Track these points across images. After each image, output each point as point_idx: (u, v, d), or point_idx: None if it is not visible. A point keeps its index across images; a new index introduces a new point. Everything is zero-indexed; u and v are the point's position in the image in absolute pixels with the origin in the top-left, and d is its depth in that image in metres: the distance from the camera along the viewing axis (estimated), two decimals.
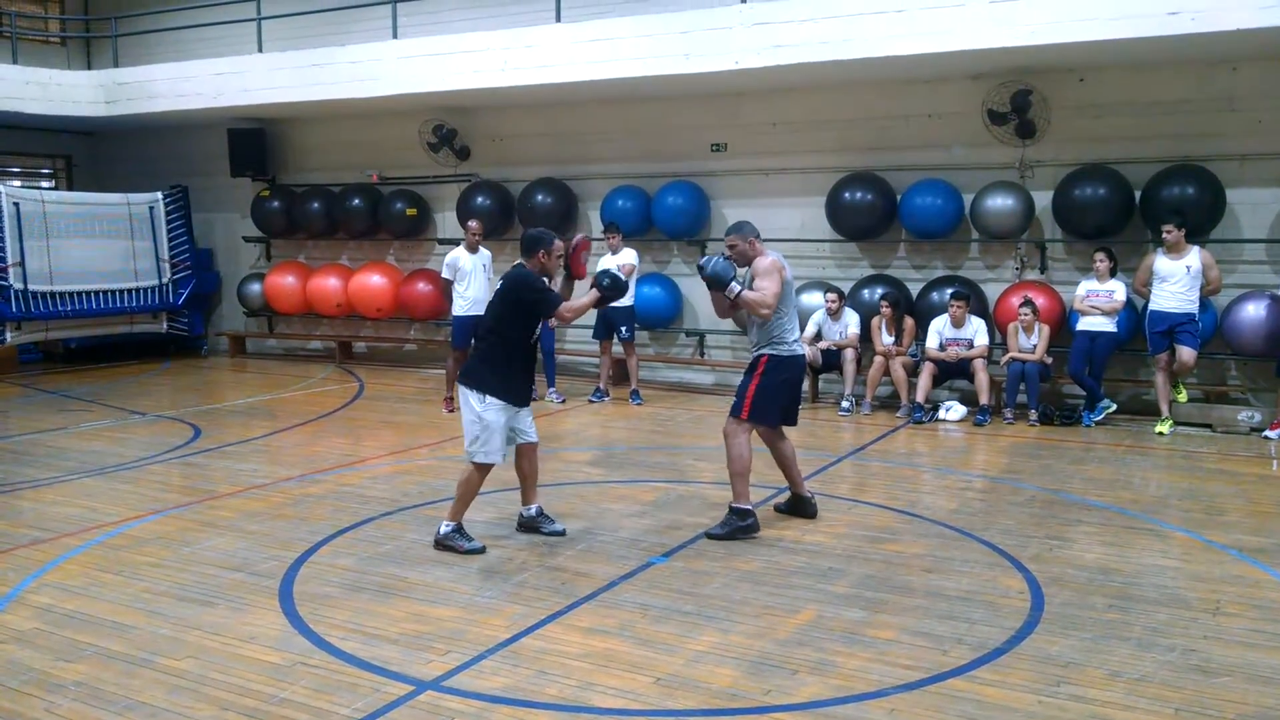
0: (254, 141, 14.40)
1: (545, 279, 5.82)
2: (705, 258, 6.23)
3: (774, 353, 6.02)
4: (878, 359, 10.01)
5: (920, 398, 9.67)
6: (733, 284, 5.90)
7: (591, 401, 10.74)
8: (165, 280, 14.11)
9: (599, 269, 10.53)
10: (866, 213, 10.73)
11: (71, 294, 13.10)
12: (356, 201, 13.66)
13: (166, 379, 13.00)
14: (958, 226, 10.50)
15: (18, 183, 15.42)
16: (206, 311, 15.41)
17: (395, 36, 12.19)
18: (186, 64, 13.55)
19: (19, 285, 12.54)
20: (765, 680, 4.11)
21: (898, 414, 9.85)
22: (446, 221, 13.45)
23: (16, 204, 12.63)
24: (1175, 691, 4.01)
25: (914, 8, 9.13)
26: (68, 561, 5.61)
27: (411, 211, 13.35)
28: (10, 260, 12.45)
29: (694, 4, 10.75)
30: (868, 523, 6.36)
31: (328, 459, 8.19)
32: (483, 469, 5.74)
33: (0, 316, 12.40)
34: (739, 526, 5.95)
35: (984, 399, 9.50)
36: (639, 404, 10.65)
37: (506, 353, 5.78)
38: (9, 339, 12.63)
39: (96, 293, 13.36)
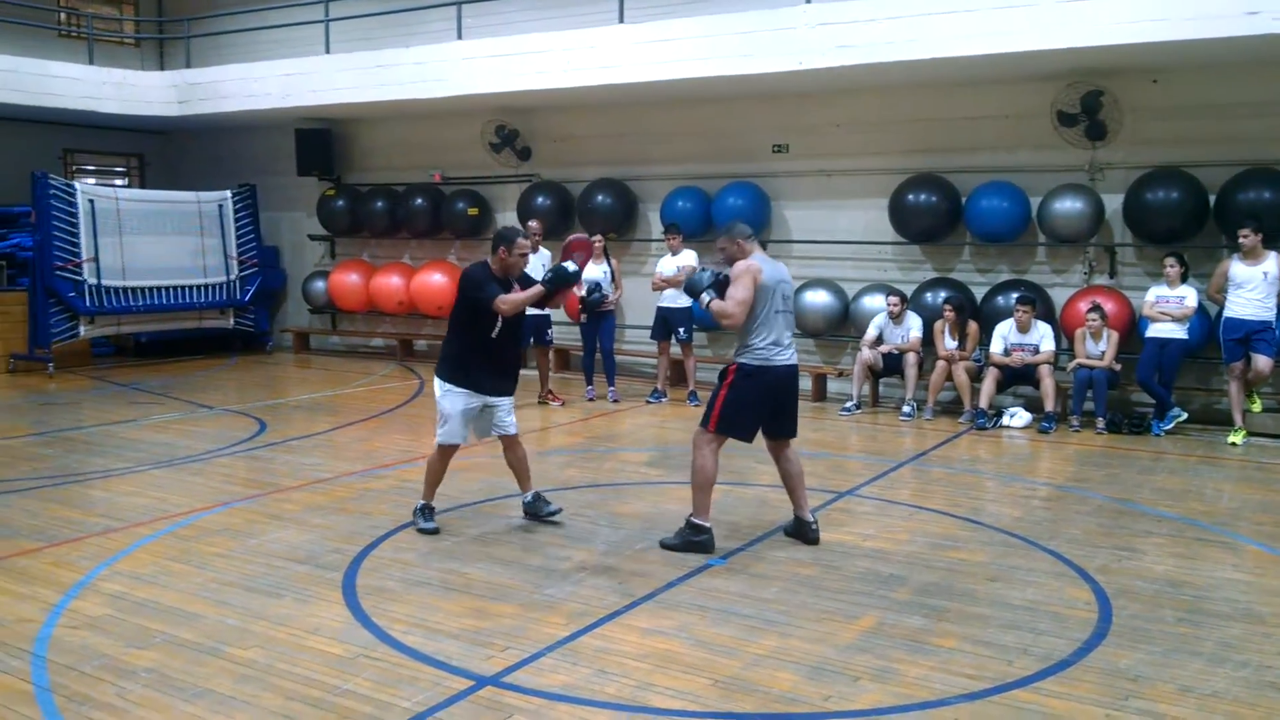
0: (320, 141, 14.64)
1: (507, 276, 5.94)
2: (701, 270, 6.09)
3: (743, 361, 5.70)
4: (940, 363, 9.87)
5: (984, 403, 9.52)
6: (704, 294, 5.73)
7: (649, 402, 10.75)
8: (233, 277, 14.39)
9: (659, 269, 10.66)
10: (930, 215, 10.60)
11: (143, 289, 13.42)
12: (419, 201, 13.83)
13: (233, 374, 13.27)
14: (1024, 230, 10.32)
15: (93, 180, 15.84)
16: (272, 308, 15.70)
17: (460, 37, 12.31)
18: (256, 65, 13.85)
19: (93, 280, 12.87)
20: (826, 686, 4.07)
21: (960, 419, 9.71)
22: (507, 221, 13.52)
23: (92, 201, 12.98)
24: (1249, 709, 3.90)
25: (983, 7, 8.99)
26: (139, 550, 5.74)
27: (473, 211, 13.48)
28: (85, 256, 12.79)
29: (757, 4, 10.70)
30: (929, 529, 6.27)
31: (389, 454, 8.29)
32: (443, 450, 6.06)
33: (75, 311, 12.75)
34: (692, 541, 5.69)
35: (1049, 406, 9.32)
36: (696, 405, 10.61)
37: (462, 346, 5.99)
38: (83, 333, 12.97)
39: (167, 288, 13.67)
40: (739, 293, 5.58)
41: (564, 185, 12.90)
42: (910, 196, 10.65)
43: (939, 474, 7.81)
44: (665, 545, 5.75)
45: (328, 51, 13.44)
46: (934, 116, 10.82)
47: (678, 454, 8.52)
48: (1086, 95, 9.77)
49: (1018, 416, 9.55)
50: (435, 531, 6.01)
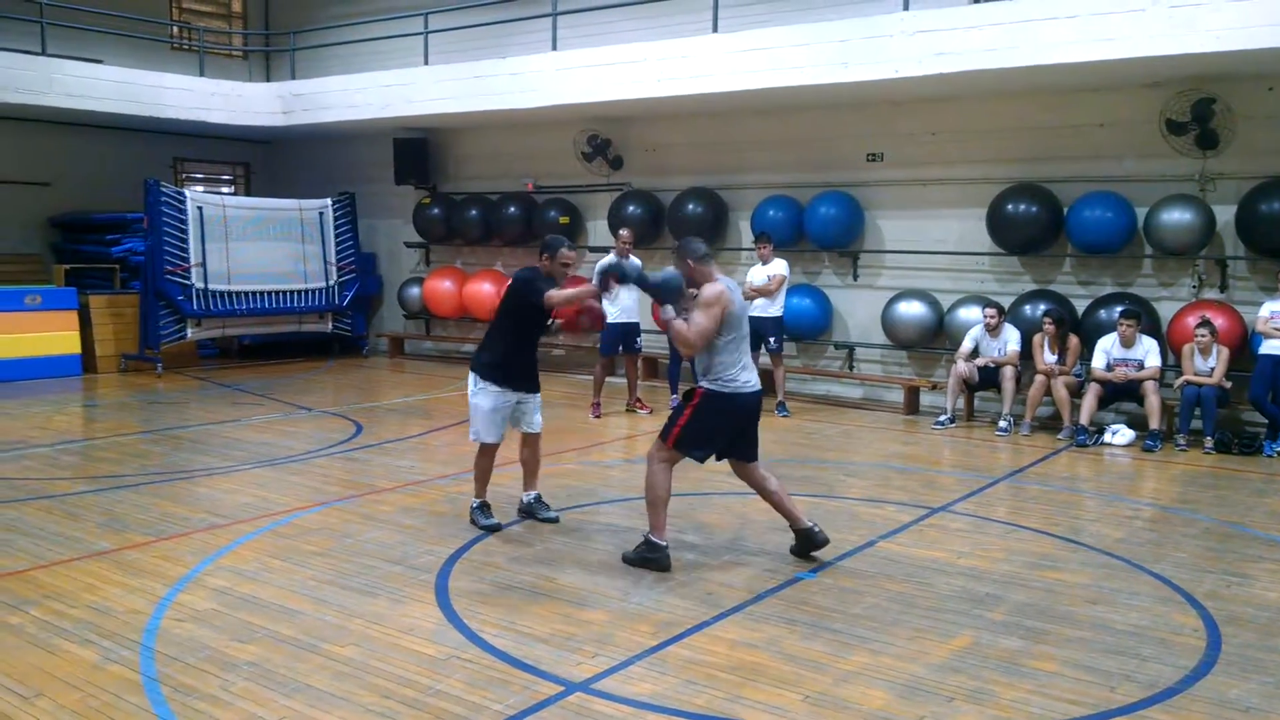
0: (417, 150, 14.95)
1: (550, 280, 6.09)
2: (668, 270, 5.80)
3: (711, 389, 5.49)
4: (1039, 378, 9.62)
5: (1084, 420, 9.24)
6: (668, 306, 5.54)
7: None
8: (332, 283, 14.76)
9: (749, 278, 10.62)
10: (1030, 225, 10.34)
11: (246, 293, 13.85)
12: (512, 209, 14.01)
13: (330, 377, 13.61)
14: (1129, 241, 10.01)
15: (201, 188, 16.44)
16: (368, 313, 16.07)
17: (554, 48, 12.45)
18: (357, 76, 14.22)
19: (200, 285, 13.34)
20: (919, 705, 3.99)
21: (1059, 436, 9.44)
22: (598, 229, 13.64)
23: (200, 208, 13.45)
24: None
25: (1086, 13, 8.76)
26: (241, 547, 5.92)
27: (565, 220, 13.60)
28: (193, 261, 13.26)
29: (853, 12, 10.63)
30: (1026, 549, 6.10)
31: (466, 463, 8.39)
32: (485, 448, 6.27)
33: (183, 313, 13.22)
34: (648, 558, 5.56)
35: (1155, 423, 9.01)
36: (785, 416, 10.54)
37: (504, 342, 6.18)
38: (190, 335, 13.45)
39: (269, 293, 14.09)
40: (707, 323, 5.36)
41: (655, 194, 12.94)
42: (1009, 206, 10.41)
43: (1036, 491, 7.61)
44: (625, 558, 5.68)
45: (426, 63, 13.73)
46: (1034, 125, 10.56)
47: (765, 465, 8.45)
48: (1197, 103, 9.43)
49: (1120, 434, 9.24)
50: (497, 527, 6.20)
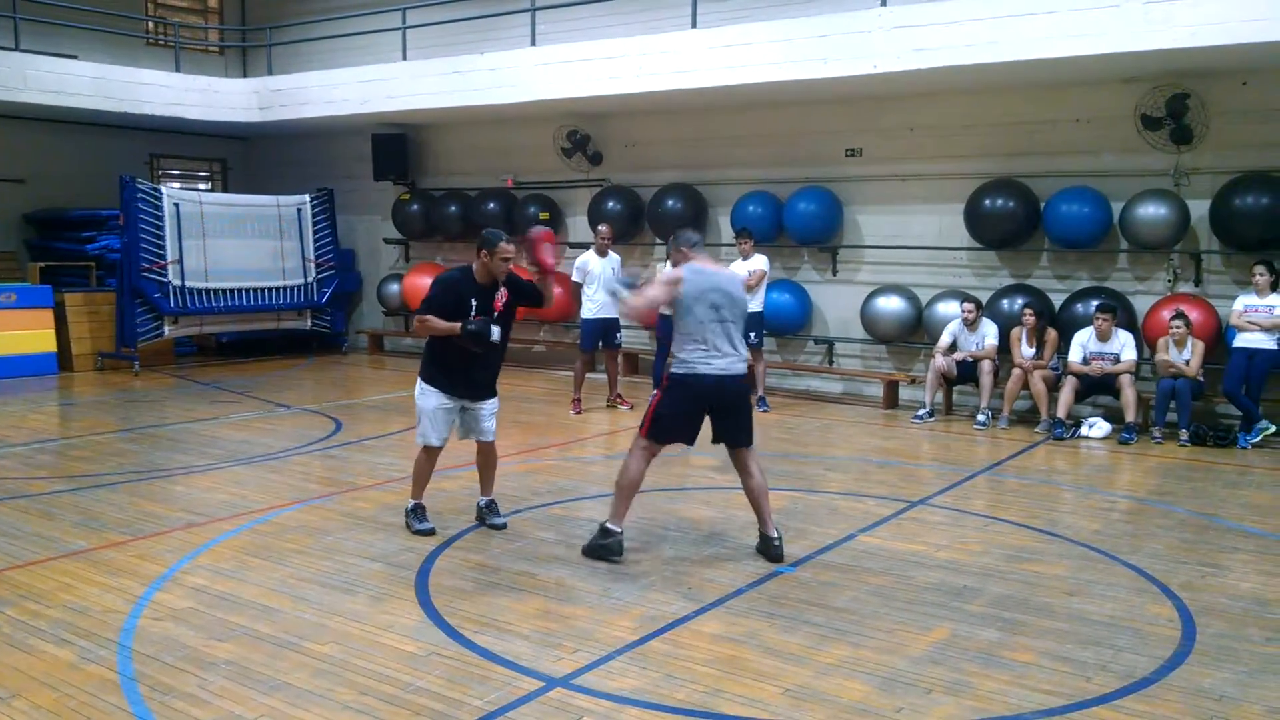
0: (396, 146, 14.89)
1: (492, 279, 5.84)
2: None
3: (673, 371, 5.59)
4: (1016, 371, 9.69)
5: (1061, 413, 9.31)
6: (620, 289, 5.66)
7: None
8: (310, 279, 14.68)
9: (737, 268, 10.61)
10: (1008, 220, 10.40)
11: (224, 291, 13.76)
12: (491, 205, 13.97)
13: (309, 374, 13.55)
14: (1105, 236, 10.08)
15: (177, 184, 16.32)
16: (347, 310, 16.00)
17: (534, 44, 12.42)
18: (335, 72, 14.14)
19: (177, 282, 13.24)
20: (897, 698, 4.01)
21: (1037, 429, 9.51)
22: (578, 225, 13.62)
23: (177, 205, 13.35)
24: None
25: (1064, 9, 8.81)
26: (219, 545, 5.89)
27: (544, 215, 13.57)
28: (170, 258, 13.16)
29: (832, 7, 10.64)
30: (1004, 541, 6.15)
31: (460, 456, 8.36)
32: (427, 451, 6.04)
33: (160, 311, 13.13)
34: (600, 545, 5.60)
35: (1130, 416, 9.08)
36: (765, 411, 10.57)
37: (440, 348, 5.90)
38: (167, 332, 13.35)
39: (247, 290, 14.00)
40: (655, 293, 5.59)
41: (635, 190, 12.94)
42: (987, 201, 10.47)
43: (1014, 484, 7.66)
44: (584, 551, 5.68)
45: (405, 58, 13.67)
46: (1011, 120, 10.62)
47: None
48: (1172, 98, 9.51)
49: (1097, 427, 9.32)
50: (431, 532, 6.03)
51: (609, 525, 5.62)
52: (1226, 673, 4.27)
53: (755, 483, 5.69)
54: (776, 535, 5.70)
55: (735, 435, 5.69)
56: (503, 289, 5.93)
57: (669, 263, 5.92)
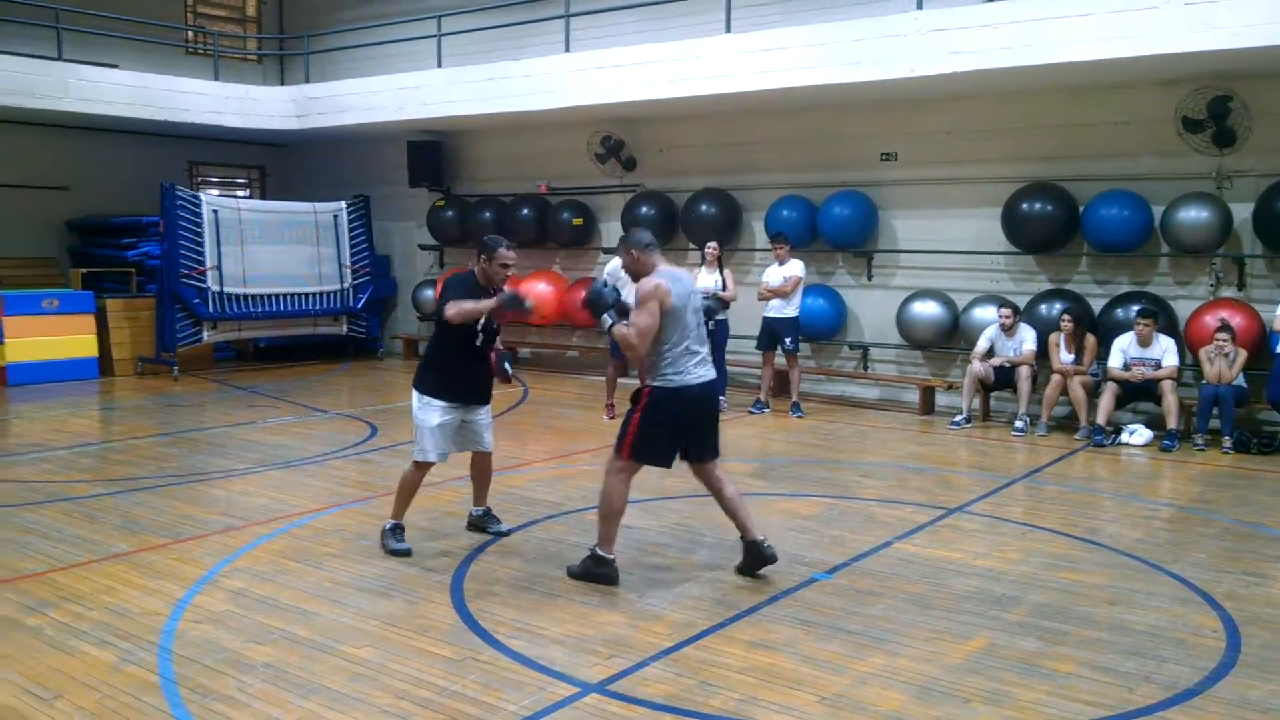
0: (431, 153, 14.99)
1: (490, 285, 5.76)
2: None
3: (656, 385, 5.19)
4: (1055, 377, 9.57)
5: (1101, 419, 9.19)
6: (605, 316, 5.22)
7: (751, 413, 10.67)
8: (346, 285, 14.81)
9: (764, 279, 10.55)
10: (1046, 224, 10.29)
11: (262, 296, 13.92)
12: (525, 211, 14.03)
13: (345, 379, 13.66)
14: (1146, 240, 9.94)
15: (216, 191, 16.52)
16: (383, 315, 16.12)
17: (568, 50, 12.46)
18: (372, 79, 14.25)
19: (216, 288, 13.40)
20: (935, 707, 3.97)
21: (1076, 436, 9.39)
22: (611, 231, 13.64)
23: (215, 211, 13.52)
24: None
25: (1101, 11, 8.70)
26: (257, 549, 5.94)
27: (578, 221, 13.61)
28: (209, 264, 13.33)
29: (867, 12, 10.59)
30: (1043, 549, 6.07)
31: (493, 461, 8.39)
32: (419, 467, 5.86)
33: (198, 317, 13.29)
34: (594, 573, 5.33)
35: (1172, 423, 8.95)
36: (799, 417, 10.52)
37: (444, 354, 5.82)
38: (206, 338, 13.52)
39: (284, 295, 14.15)
40: (643, 320, 5.05)
41: (668, 195, 12.94)
42: (1024, 205, 10.36)
43: (1053, 492, 7.56)
44: (570, 573, 5.43)
45: (440, 66, 13.76)
46: (1049, 123, 10.51)
47: (780, 465, 8.45)
48: (1214, 100, 9.37)
49: (1138, 434, 9.18)
50: (408, 553, 5.76)
51: (601, 553, 5.34)
52: (1274, 684, 4.18)
53: (731, 489, 5.43)
54: (763, 537, 5.46)
55: (704, 450, 5.41)
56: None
57: (618, 263, 5.51)
